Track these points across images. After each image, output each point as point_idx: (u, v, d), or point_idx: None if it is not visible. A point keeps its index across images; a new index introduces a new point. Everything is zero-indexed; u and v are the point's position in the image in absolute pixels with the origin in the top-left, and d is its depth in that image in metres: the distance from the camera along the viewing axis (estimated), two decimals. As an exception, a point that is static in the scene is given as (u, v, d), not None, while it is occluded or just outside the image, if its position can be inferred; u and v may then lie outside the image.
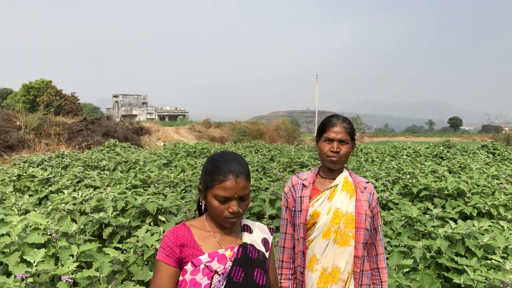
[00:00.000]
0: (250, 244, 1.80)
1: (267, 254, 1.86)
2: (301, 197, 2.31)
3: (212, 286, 1.66)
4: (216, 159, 1.76)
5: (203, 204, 1.82)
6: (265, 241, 1.87)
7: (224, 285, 1.67)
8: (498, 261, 3.46)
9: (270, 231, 1.93)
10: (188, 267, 1.67)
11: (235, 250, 1.75)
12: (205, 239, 1.75)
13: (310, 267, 2.27)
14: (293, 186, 2.38)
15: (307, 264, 2.28)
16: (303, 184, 2.34)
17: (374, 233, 2.32)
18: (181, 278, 1.69)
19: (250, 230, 1.87)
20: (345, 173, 2.36)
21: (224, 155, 1.77)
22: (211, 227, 1.79)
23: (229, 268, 1.70)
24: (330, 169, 2.33)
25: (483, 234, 4.64)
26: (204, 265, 1.67)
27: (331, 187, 2.31)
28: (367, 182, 2.36)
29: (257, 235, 1.87)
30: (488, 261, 3.60)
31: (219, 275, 1.67)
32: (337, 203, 2.25)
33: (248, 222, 1.91)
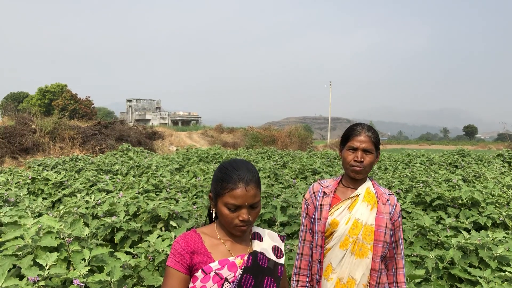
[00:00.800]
0: (261, 252, 1.80)
1: (281, 261, 1.85)
2: (321, 204, 2.29)
3: None
4: (226, 167, 1.76)
5: (213, 211, 1.82)
6: (275, 249, 1.87)
7: None
8: (512, 273, 3.40)
9: (281, 239, 1.92)
10: (199, 274, 1.68)
11: (245, 258, 1.75)
12: (215, 246, 1.75)
13: (325, 276, 2.25)
14: (314, 193, 2.36)
15: (323, 272, 2.26)
16: (324, 192, 2.33)
17: (395, 246, 2.28)
18: (191, 285, 1.69)
19: (260, 238, 1.87)
20: (368, 183, 2.33)
21: (234, 163, 1.77)
22: (221, 234, 1.80)
23: (239, 276, 1.70)
24: (352, 179, 2.31)
25: (497, 245, 4.57)
26: (215, 272, 1.67)
27: (352, 197, 2.28)
28: (390, 194, 2.32)
29: (267, 243, 1.86)
30: (502, 273, 3.54)
31: (229, 283, 1.67)
32: (357, 214, 2.23)
33: (259, 230, 1.90)
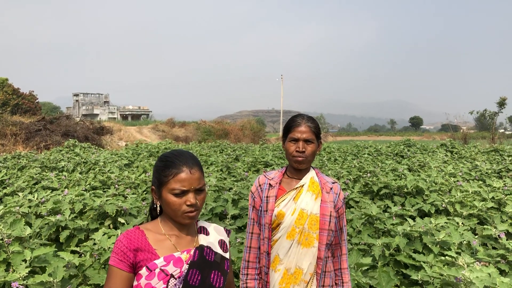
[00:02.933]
0: (207, 246, 1.77)
1: (227, 255, 1.83)
2: (267, 196, 2.29)
3: None
4: (166, 155, 1.73)
5: (158, 205, 1.76)
6: (222, 243, 1.85)
7: None
8: (452, 256, 3.55)
9: (226, 233, 1.91)
10: (143, 271, 1.63)
11: (192, 252, 1.71)
12: (160, 242, 1.71)
13: (273, 267, 2.25)
14: (260, 185, 2.35)
15: (271, 264, 2.26)
16: (269, 184, 2.32)
17: (340, 233, 2.32)
18: (135, 283, 1.64)
19: (206, 232, 1.84)
20: (311, 173, 2.35)
21: (174, 151, 1.75)
22: (166, 229, 1.75)
23: (186, 271, 1.66)
24: (296, 169, 2.32)
25: (439, 231, 4.76)
26: (160, 269, 1.63)
27: (297, 188, 2.29)
28: (333, 182, 2.35)
29: (214, 237, 1.84)
30: (443, 257, 3.69)
31: (175, 279, 1.63)
32: (302, 204, 2.24)
33: (204, 224, 1.87)
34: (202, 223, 1.88)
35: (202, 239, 1.80)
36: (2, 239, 3.69)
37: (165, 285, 1.61)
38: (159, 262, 1.64)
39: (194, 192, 1.67)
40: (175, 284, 1.63)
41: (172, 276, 1.63)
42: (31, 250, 3.57)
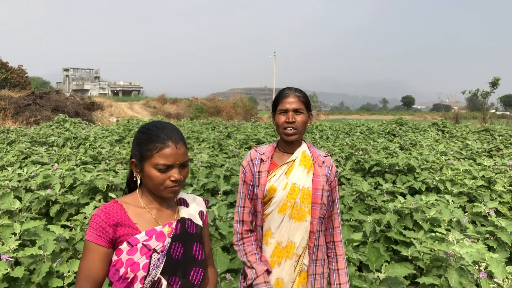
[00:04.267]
0: (188, 218, 1.74)
1: (205, 226, 1.82)
2: (259, 171, 2.26)
3: (151, 265, 1.58)
4: (149, 127, 1.65)
5: (138, 178, 1.70)
6: (201, 214, 1.82)
7: (163, 262, 1.60)
8: (442, 233, 3.57)
9: (205, 203, 1.88)
10: (124, 246, 1.58)
11: (173, 226, 1.67)
12: (140, 216, 1.66)
13: (265, 241, 2.24)
14: (251, 160, 2.32)
15: (263, 238, 2.25)
16: (261, 159, 2.29)
17: (332, 206, 2.31)
18: (115, 258, 1.59)
19: (186, 204, 1.80)
20: (303, 147, 2.32)
21: (157, 123, 1.67)
22: (146, 202, 1.70)
23: (168, 245, 1.62)
24: (288, 143, 2.28)
25: (430, 208, 4.80)
26: (142, 244, 1.58)
27: (288, 162, 2.26)
28: (325, 156, 2.32)
29: (194, 208, 1.80)
30: (433, 234, 3.72)
31: (158, 253, 1.60)
32: (294, 178, 2.22)
33: (184, 195, 1.83)
34: (181, 194, 1.84)
35: (183, 211, 1.76)
36: (-9, 212, 3.65)
37: (148, 260, 1.57)
38: (141, 237, 1.60)
39: (179, 167, 1.62)
40: (158, 259, 1.59)
41: (155, 250, 1.59)
42: (20, 224, 3.54)
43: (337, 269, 2.32)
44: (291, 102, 2.21)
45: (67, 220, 4.83)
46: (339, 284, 2.31)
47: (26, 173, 6.08)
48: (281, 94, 2.26)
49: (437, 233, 3.60)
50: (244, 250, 2.27)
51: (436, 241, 3.45)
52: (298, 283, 2.22)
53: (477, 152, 9.77)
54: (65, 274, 3.15)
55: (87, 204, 5.05)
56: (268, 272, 2.19)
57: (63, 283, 3.11)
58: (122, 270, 1.57)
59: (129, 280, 1.57)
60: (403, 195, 5.75)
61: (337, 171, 2.34)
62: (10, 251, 3.07)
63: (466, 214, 5.03)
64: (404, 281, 3.25)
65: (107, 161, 7.86)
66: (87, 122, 19.95)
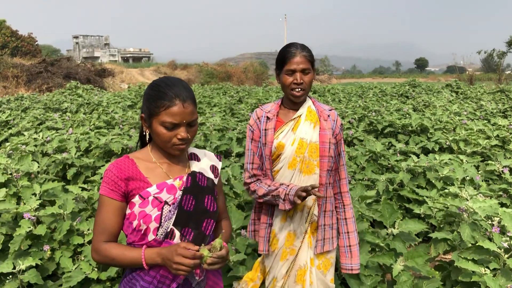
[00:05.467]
0: (199, 172, 1.76)
1: (216, 181, 1.83)
2: (265, 129, 2.28)
3: (163, 216, 1.62)
4: (159, 84, 1.64)
5: (147, 133, 1.72)
6: (213, 168, 1.84)
7: (175, 214, 1.64)
8: (455, 190, 3.59)
9: (218, 158, 1.90)
10: (136, 199, 1.62)
11: (184, 179, 1.70)
12: (151, 170, 1.69)
13: None
14: (258, 118, 2.34)
15: None
16: (267, 117, 2.31)
17: (338, 158, 2.34)
18: (128, 211, 1.64)
19: (197, 158, 1.82)
20: (308, 102, 2.33)
21: (167, 80, 1.66)
22: (157, 157, 1.72)
23: (179, 197, 1.66)
24: (293, 101, 2.29)
25: (443, 167, 4.80)
26: (153, 196, 1.62)
27: (294, 118, 2.28)
28: (330, 110, 2.34)
29: (205, 162, 1.83)
30: (447, 191, 3.74)
31: (169, 205, 1.63)
32: (301, 134, 2.24)
33: (195, 150, 1.85)
34: (192, 149, 1.85)
35: (194, 166, 1.78)
36: (11, 174, 3.74)
37: (160, 212, 1.62)
38: (152, 190, 1.63)
39: (186, 126, 1.62)
40: (170, 211, 1.63)
41: (166, 202, 1.63)
42: (40, 185, 3.62)
43: (345, 218, 2.38)
44: (298, 63, 2.19)
45: (84, 182, 4.93)
46: (347, 232, 2.37)
47: (42, 137, 6.18)
48: (288, 54, 2.22)
49: (450, 189, 3.61)
50: (261, 182, 2.29)
51: (449, 197, 3.47)
52: (309, 233, 2.28)
53: (491, 112, 9.65)
54: (85, 232, 3.24)
55: (103, 166, 5.13)
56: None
57: (84, 240, 3.21)
58: (135, 223, 1.62)
59: (142, 232, 1.62)
60: (417, 155, 5.74)
61: (342, 124, 2.35)
62: (32, 210, 3.16)
63: (479, 172, 5.02)
64: (416, 239, 3.29)
65: (121, 126, 7.94)
66: (99, 89, 20.03)
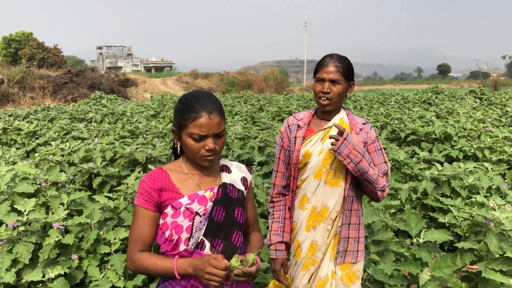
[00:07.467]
0: (230, 183, 1.79)
1: (246, 193, 1.86)
2: (295, 137, 2.30)
3: (194, 227, 1.66)
4: (187, 97, 1.70)
5: (178, 146, 1.78)
6: (244, 180, 1.87)
7: (206, 225, 1.68)
8: (481, 200, 3.54)
9: (248, 170, 1.93)
10: (169, 210, 1.67)
11: (215, 190, 1.74)
12: (183, 181, 1.73)
13: (301, 206, 2.30)
14: (288, 126, 2.37)
15: (299, 202, 2.31)
16: (298, 125, 2.33)
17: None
18: (161, 221, 1.68)
19: (228, 170, 1.86)
20: (341, 114, 2.32)
21: (195, 93, 1.71)
22: (188, 169, 1.77)
23: (210, 208, 1.69)
24: (325, 110, 2.31)
25: (468, 176, 4.73)
26: (185, 207, 1.66)
27: (325, 128, 2.29)
28: (364, 123, 2.31)
29: (236, 174, 1.86)
30: (473, 200, 3.69)
31: (200, 216, 1.67)
32: (330, 145, 2.24)
33: (226, 162, 1.89)
34: (224, 161, 1.89)
35: (225, 177, 1.81)
36: (40, 184, 3.83)
37: (191, 223, 1.66)
38: (184, 200, 1.68)
39: (213, 137, 1.66)
40: (201, 221, 1.67)
41: (197, 213, 1.67)
42: (67, 194, 3.71)
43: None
44: (328, 72, 2.21)
45: (109, 191, 5.02)
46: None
47: (68, 147, 6.32)
48: (321, 62, 2.26)
49: (477, 198, 3.57)
50: (273, 214, 2.41)
51: (475, 207, 3.43)
52: (333, 246, 2.28)
53: (517, 119, 9.47)
54: (111, 241, 3.30)
55: (128, 175, 5.22)
56: (283, 243, 2.34)
57: (110, 249, 3.27)
58: (167, 233, 1.66)
59: (174, 242, 1.66)
60: (440, 163, 5.68)
61: (376, 136, 2.32)
62: (60, 219, 3.24)
63: (505, 181, 4.94)
64: (440, 250, 3.26)
65: (145, 135, 8.06)
66: (123, 98, 20.36)
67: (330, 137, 2.12)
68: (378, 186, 2.16)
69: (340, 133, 2.10)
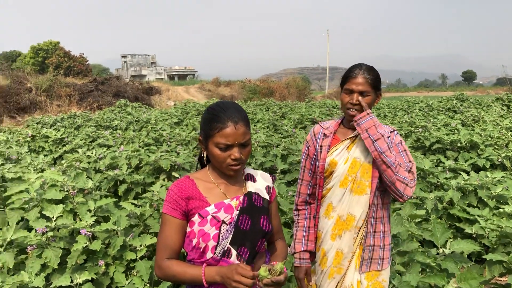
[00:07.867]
0: (255, 192, 1.82)
1: (270, 201, 1.89)
2: (321, 146, 2.32)
3: (221, 235, 1.69)
4: (213, 107, 1.74)
5: (205, 155, 1.82)
6: (268, 189, 1.89)
7: (232, 233, 1.70)
8: (510, 210, 3.47)
9: (272, 179, 1.95)
10: (196, 218, 1.70)
11: (241, 199, 1.77)
12: (210, 190, 1.76)
13: (326, 214, 2.30)
14: (314, 134, 2.39)
15: (324, 211, 2.32)
16: (324, 134, 2.34)
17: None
18: (189, 229, 1.72)
19: (253, 179, 1.88)
20: None
21: (221, 104, 1.75)
22: (215, 178, 1.80)
23: (236, 217, 1.72)
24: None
25: (495, 185, 4.64)
26: (211, 216, 1.70)
27: (351, 137, 2.29)
28: (391, 131, 2.29)
29: (261, 183, 1.88)
30: (501, 210, 3.61)
31: (227, 225, 1.71)
32: (355, 153, 2.24)
33: (251, 171, 1.92)
34: (249, 170, 1.92)
35: (250, 186, 1.85)
36: (68, 191, 3.92)
37: (217, 231, 1.69)
38: (211, 209, 1.71)
39: (239, 146, 1.69)
40: (227, 230, 1.70)
41: (223, 222, 1.71)
42: (94, 201, 3.78)
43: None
44: (357, 84, 2.20)
45: (134, 198, 5.10)
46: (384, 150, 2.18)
47: (95, 155, 6.44)
48: (350, 73, 2.24)
49: (504, 209, 3.50)
50: (297, 222, 2.43)
51: (504, 218, 3.36)
52: (358, 254, 2.27)
53: (547, 127, 9.24)
54: (137, 248, 3.35)
55: (153, 183, 5.29)
56: (308, 251, 2.37)
57: (136, 256, 3.32)
58: (194, 241, 1.70)
59: (201, 250, 1.69)
60: (467, 173, 5.58)
61: (401, 140, 2.28)
62: (88, 226, 3.31)
63: (535, 191, 4.82)
64: (467, 260, 3.20)
65: (169, 142, 8.16)
66: (147, 106, 20.65)
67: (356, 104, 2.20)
68: (398, 175, 2.09)
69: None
